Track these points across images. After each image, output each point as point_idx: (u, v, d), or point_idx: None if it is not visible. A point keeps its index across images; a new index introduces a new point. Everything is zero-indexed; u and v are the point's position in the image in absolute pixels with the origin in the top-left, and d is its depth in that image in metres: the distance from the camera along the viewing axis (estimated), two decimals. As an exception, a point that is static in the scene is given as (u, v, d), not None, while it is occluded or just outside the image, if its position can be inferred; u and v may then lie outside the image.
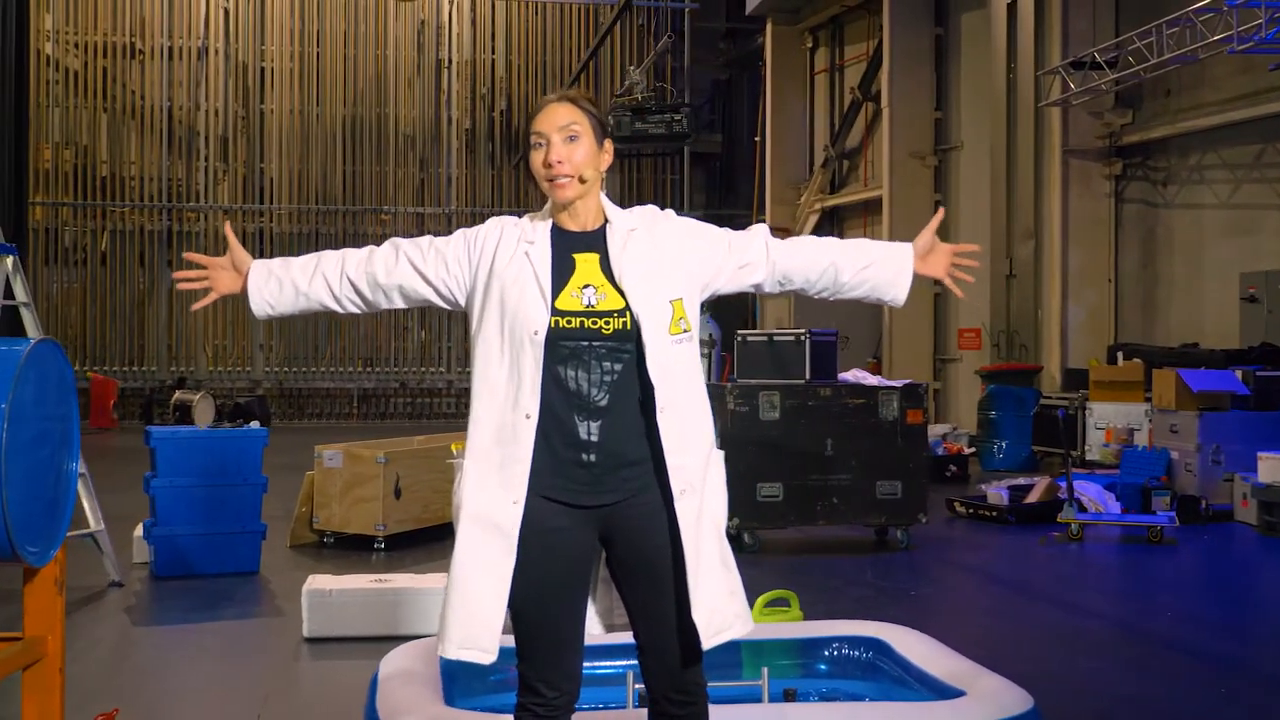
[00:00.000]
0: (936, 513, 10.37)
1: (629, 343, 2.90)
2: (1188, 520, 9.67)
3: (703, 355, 16.80)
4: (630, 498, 2.92)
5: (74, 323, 21.87)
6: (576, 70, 21.19)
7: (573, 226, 3.02)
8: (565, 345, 2.88)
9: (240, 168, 22.37)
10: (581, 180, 2.97)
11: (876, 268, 3.17)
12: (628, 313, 2.90)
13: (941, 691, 4.27)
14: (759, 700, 4.36)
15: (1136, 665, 5.87)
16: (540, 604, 2.91)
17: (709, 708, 3.06)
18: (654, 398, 2.89)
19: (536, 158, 2.98)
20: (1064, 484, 9.44)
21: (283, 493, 10.30)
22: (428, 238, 3.10)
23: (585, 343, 2.89)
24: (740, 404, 8.54)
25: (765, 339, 9.17)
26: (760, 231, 3.17)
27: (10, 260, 7.46)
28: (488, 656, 2.89)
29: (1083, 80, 14.44)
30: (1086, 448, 12.89)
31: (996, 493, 10.39)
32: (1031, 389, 14.44)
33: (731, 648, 4.91)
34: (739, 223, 24.59)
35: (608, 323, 2.89)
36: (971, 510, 10.32)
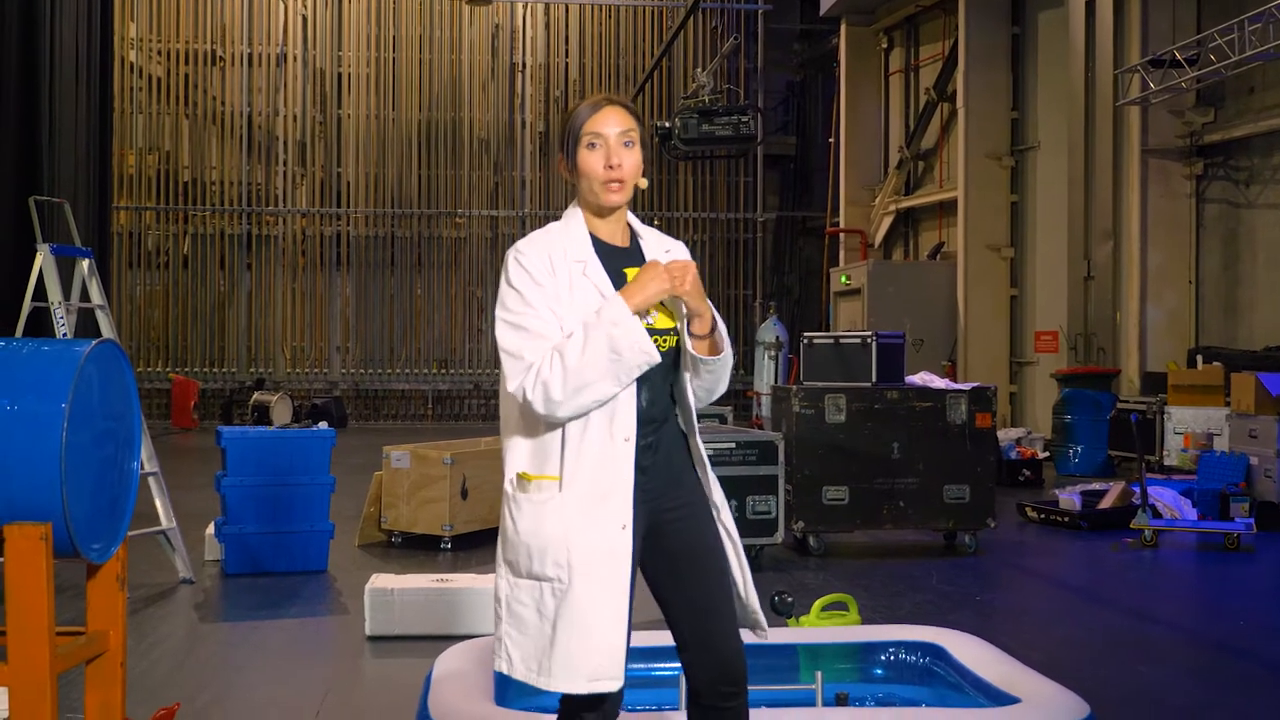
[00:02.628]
0: (1008, 518, 10.26)
1: (672, 361, 2.97)
2: (1266, 527, 9.46)
3: (770, 358, 16.75)
4: (679, 506, 2.98)
5: (156, 325, 22.30)
6: (646, 73, 21.20)
7: (609, 239, 3.02)
8: None
9: (318, 172, 22.67)
10: (628, 187, 2.98)
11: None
12: (674, 333, 2.95)
13: (997, 698, 4.23)
14: (813, 704, 4.34)
15: (1201, 674, 5.76)
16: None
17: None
18: (682, 414, 3.01)
19: (593, 158, 2.93)
20: (1138, 489, 9.27)
21: (355, 493, 10.44)
22: (529, 320, 2.84)
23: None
24: (806, 407, 8.50)
25: (831, 341, 9.12)
26: None
27: (86, 263, 7.62)
28: (618, 682, 2.82)
29: (1162, 78, 14.19)
30: (1165, 453, 12.66)
31: (1069, 498, 10.24)
32: (1108, 393, 14.21)
33: (788, 651, 4.93)
34: (814, 225, 24.31)
35: (664, 340, 2.92)
36: (1043, 516, 10.18)
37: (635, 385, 2.85)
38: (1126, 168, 15.55)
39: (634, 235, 3.07)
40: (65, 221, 8.24)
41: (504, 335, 2.85)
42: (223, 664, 5.81)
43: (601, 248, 2.99)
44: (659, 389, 2.95)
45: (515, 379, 2.80)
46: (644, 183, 3.03)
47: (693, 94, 14.49)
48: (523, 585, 2.86)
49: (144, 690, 5.13)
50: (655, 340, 2.85)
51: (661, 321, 2.92)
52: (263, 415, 19.14)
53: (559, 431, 2.85)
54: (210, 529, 8.20)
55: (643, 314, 2.84)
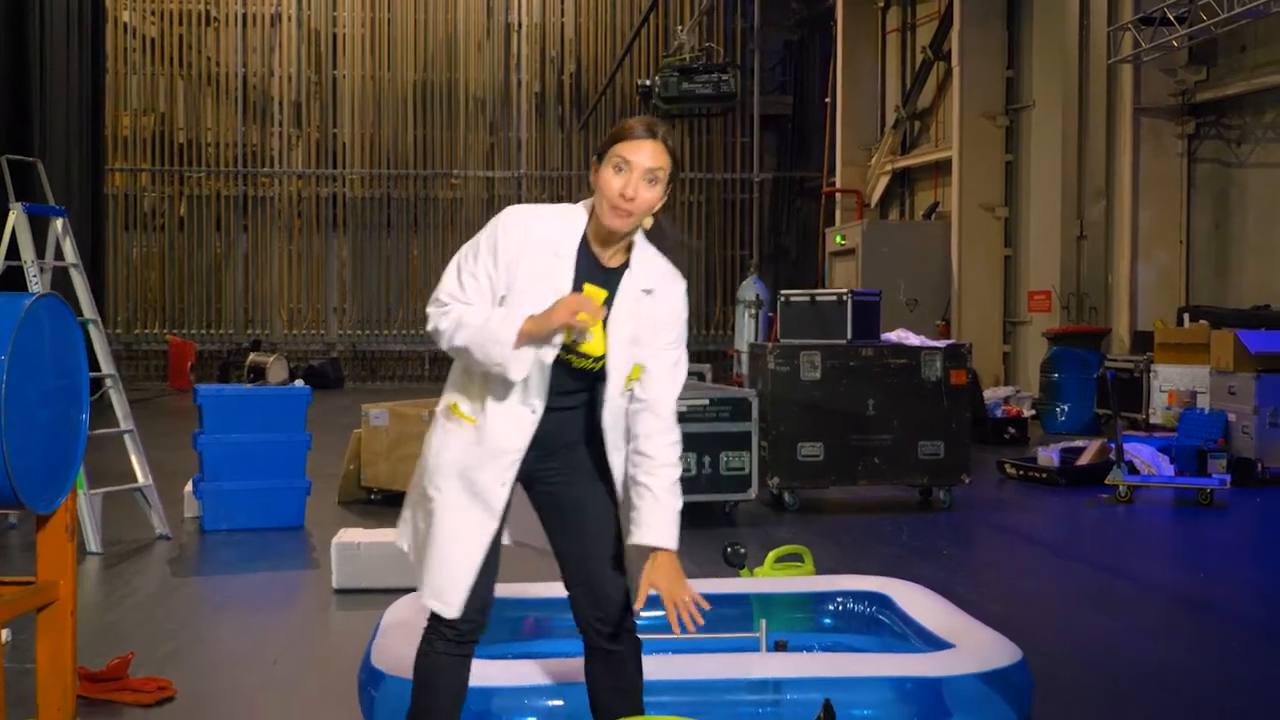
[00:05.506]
0: (988, 475, 10.32)
1: (596, 383, 3.17)
2: (1241, 483, 9.50)
3: (750, 316, 16.76)
4: (562, 469, 3.25)
5: (153, 287, 22.36)
6: (634, 30, 21.06)
7: (600, 251, 3.12)
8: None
9: (313, 133, 22.65)
10: (634, 219, 3.07)
11: (650, 504, 3.15)
12: (602, 360, 3.13)
13: (935, 645, 4.27)
14: (757, 651, 4.39)
15: (1159, 627, 5.82)
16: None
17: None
18: (603, 439, 3.20)
19: (612, 180, 3.02)
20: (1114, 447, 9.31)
21: (343, 451, 10.49)
22: (468, 277, 3.12)
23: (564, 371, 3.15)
24: (781, 364, 8.54)
25: (808, 299, 9.14)
26: (672, 388, 3.20)
27: (60, 222, 7.65)
28: (452, 611, 3.19)
29: (1153, 36, 14.12)
30: (1150, 411, 12.69)
31: (1048, 455, 10.28)
32: (1096, 351, 14.22)
33: (739, 601, 4.99)
34: (811, 185, 24.15)
35: (584, 361, 3.13)
36: (1021, 472, 10.23)
37: (552, 370, 3.11)
38: (1119, 127, 15.49)
39: (627, 262, 3.14)
40: (39, 180, 8.27)
41: (450, 272, 3.17)
42: (189, 617, 5.89)
43: (586, 254, 3.12)
44: (577, 393, 3.19)
45: (433, 305, 3.16)
46: (649, 223, 3.12)
47: (674, 52, 14.42)
48: (417, 491, 3.29)
49: (108, 641, 5.20)
50: (574, 360, 3.10)
51: (592, 348, 3.10)
52: (259, 376, 19.25)
53: (489, 385, 3.15)
54: (188, 486, 8.27)
55: (580, 333, 3.05)
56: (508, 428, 3.12)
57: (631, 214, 3.03)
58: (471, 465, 3.14)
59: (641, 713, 3.29)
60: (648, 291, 3.14)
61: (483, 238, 3.14)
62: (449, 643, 3.26)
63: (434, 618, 3.27)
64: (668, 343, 3.20)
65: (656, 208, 3.08)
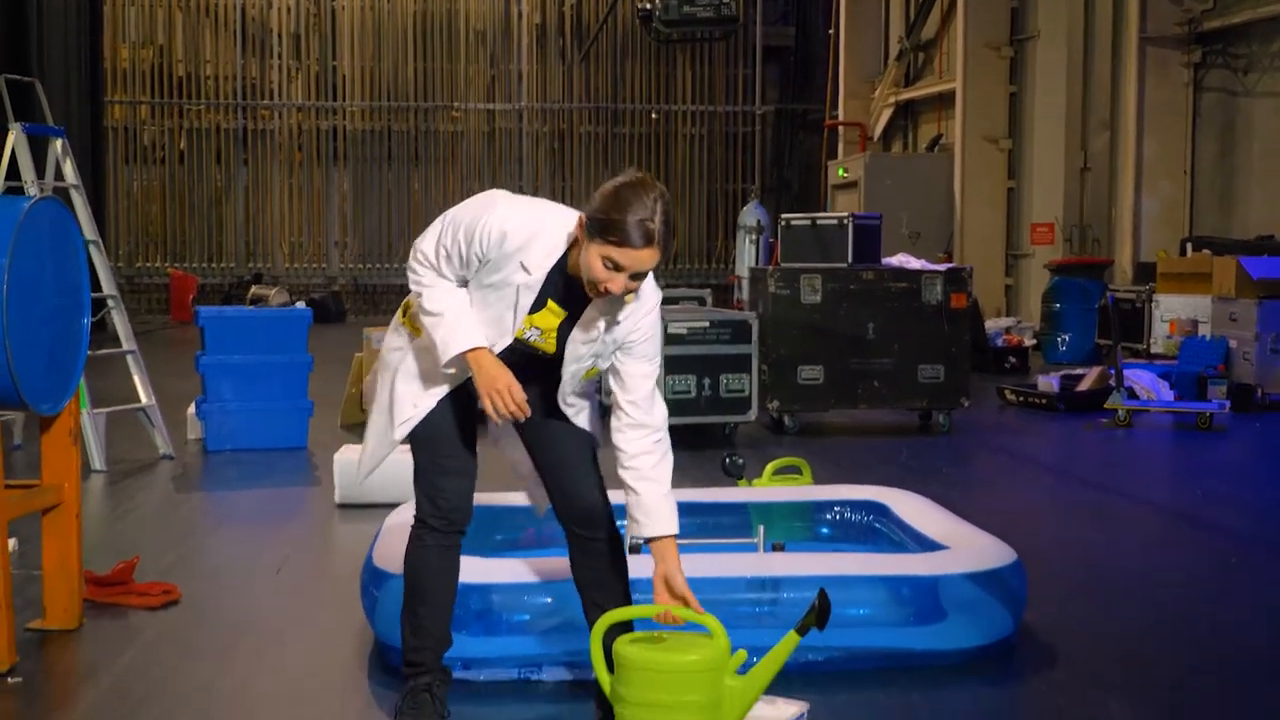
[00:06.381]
0: (988, 401, 10.35)
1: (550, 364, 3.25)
2: (1241, 408, 9.53)
3: (750, 241, 16.71)
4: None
5: (154, 220, 22.31)
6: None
7: (574, 275, 3.10)
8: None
9: (313, 65, 22.49)
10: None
11: (645, 501, 3.20)
12: (552, 331, 3.21)
13: (931, 548, 4.31)
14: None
15: (1155, 539, 5.87)
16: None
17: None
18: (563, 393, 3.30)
19: (598, 269, 2.97)
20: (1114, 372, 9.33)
21: (344, 381, 10.51)
22: (443, 251, 3.15)
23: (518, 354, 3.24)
24: (782, 288, 8.54)
25: (809, 223, 9.13)
26: (644, 388, 3.24)
27: (59, 143, 7.63)
28: (404, 430, 3.32)
29: (1159, -36, 13.98)
30: (1151, 340, 12.69)
31: (1048, 381, 10.30)
32: (1097, 281, 14.20)
33: (737, 510, 5.03)
34: (813, 118, 23.91)
35: (535, 352, 3.23)
36: (1021, 398, 10.25)
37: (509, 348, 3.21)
38: (1125, 57, 15.36)
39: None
40: (38, 102, 8.24)
41: (432, 233, 3.18)
42: (193, 529, 5.95)
43: (559, 273, 3.12)
44: (532, 372, 3.26)
45: (413, 258, 3.22)
46: (631, 299, 3.12)
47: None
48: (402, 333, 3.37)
49: (112, 552, 5.23)
50: (529, 336, 3.20)
51: (544, 347, 3.21)
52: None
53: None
54: (191, 408, 8.31)
55: (530, 333, 3.20)
56: (463, 366, 3.21)
57: (613, 298, 3.07)
58: (421, 383, 3.33)
59: (629, 604, 3.34)
60: (611, 323, 3.14)
61: (464, 224, 3.10)
62: (437, 533, 3.32)
63: (420, 512, 3.34)
64: (642, 355, 3.22)
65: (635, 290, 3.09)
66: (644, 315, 3.17)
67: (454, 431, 3.31)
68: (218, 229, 22.41)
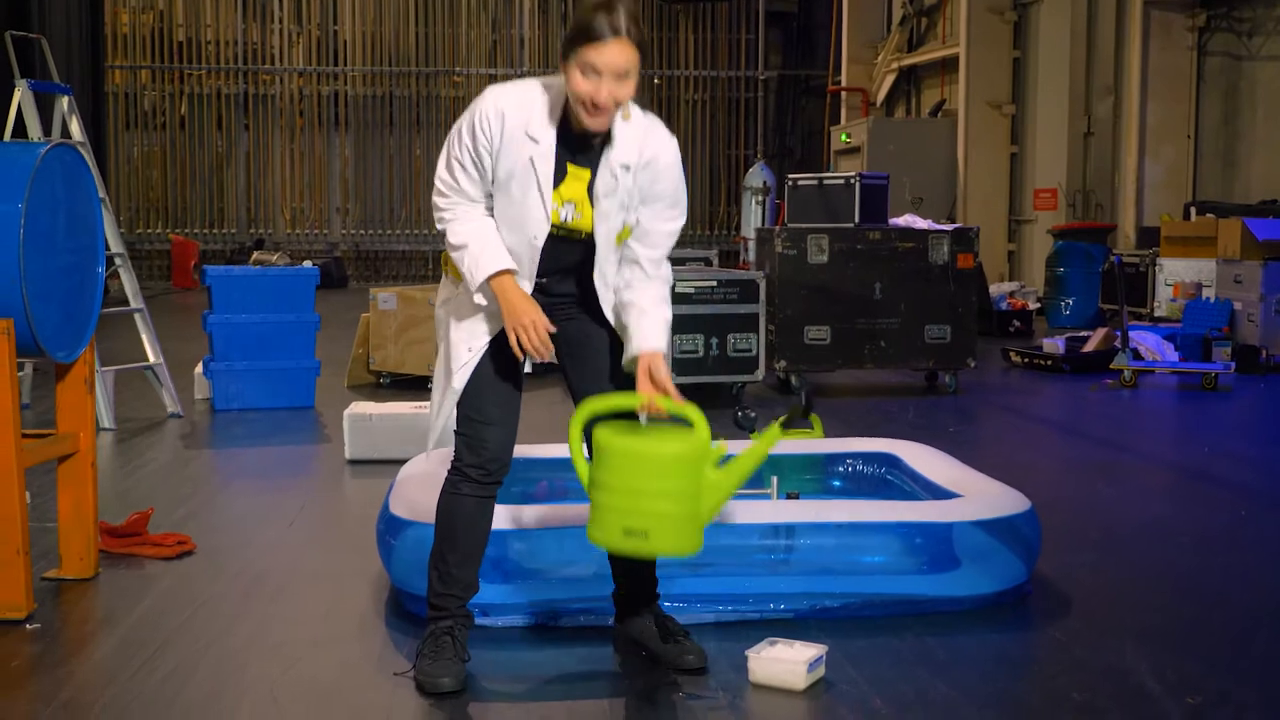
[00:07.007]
0: (993, 363, 10.36)
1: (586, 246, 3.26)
2: (1246, 370, 9.54)
3: (757, 202, 16.69)
4: (568, 308, 3.37)
5: (155, 186, 22.25)
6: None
7: (579, 129, 3.11)
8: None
9: (314, 30, 22.39)
10: (617, 107, 3.08)
11: (639, 318, 3.25)
12: (590, 233, 3.22)
13: (944, 498, 4.33)
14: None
15: (1163, 493, 5.89)
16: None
17: None
18: (596, 293, 3.30)
19: (584, 83, 3.01)
20: (1120, 334, 9.34)
21: (350, 344, 10.51)
22: (455, 164, 3.19)
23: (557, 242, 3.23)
24: (788, 247, 8.53)
25: (815, 183, 9.11)
26: (665, 245, 3.30)
27: (66, 100, 7.61)
28: (462, 379, 3.31)
29: (1166, -75, 13.90)
30: (1155, 304, 12.69)
31: (1053, 343, 10.31)
32: (1101, 245, 14.19)
33: (749, 464, 5.03)
34: (816, 83, 23.82)
35: (574, 234, 3.22)
36: (1026, 360, 10.27)
37: (540, 255, 3.22)
38: (1129, 20, 15.31)
39: (611, 130, 3.14)
40: (43, 59, 8.20)
41: (442, 158, 3.24)
42: (204, 484, 5.97)
43: (566, 132, 3.13)
44: (570, 257, 3.27)
45: (436, 194, 3.27)
46: (629, 114, 3.13)
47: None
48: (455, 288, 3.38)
49: (125, 505, 5.25)
50: (567, 232, 3.20)
51: (580, 223, 3.20)
52: (263, 275, 19.19)
53: None
54: (199, 368, 8.32)
55: (565, 211, 3.19)
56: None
57: (606, 114, 3.06)
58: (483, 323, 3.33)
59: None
60: (626, 168, 3.16)
61: (464, 125, 3.17)
62: (474, 483, 3.34)
63: (459, 461, 3.34)
64: (664, 206, 3.26)
65: (633, 96, 3.10)
66: (664, 159, 3.21)
67: (498, 382, 3.32)
68: (219, 195, 22.35)
